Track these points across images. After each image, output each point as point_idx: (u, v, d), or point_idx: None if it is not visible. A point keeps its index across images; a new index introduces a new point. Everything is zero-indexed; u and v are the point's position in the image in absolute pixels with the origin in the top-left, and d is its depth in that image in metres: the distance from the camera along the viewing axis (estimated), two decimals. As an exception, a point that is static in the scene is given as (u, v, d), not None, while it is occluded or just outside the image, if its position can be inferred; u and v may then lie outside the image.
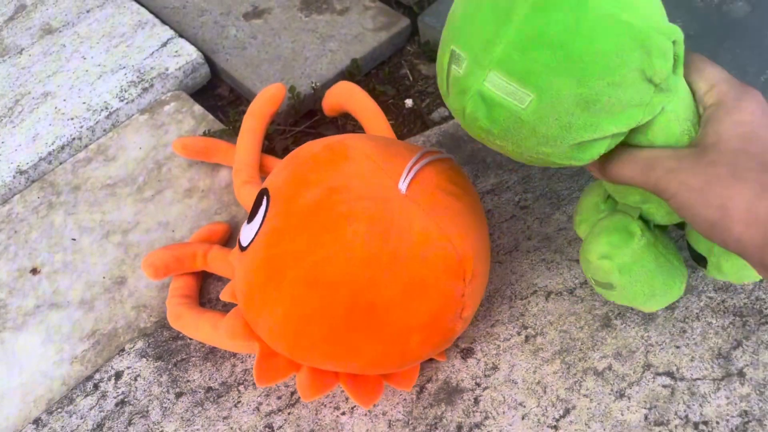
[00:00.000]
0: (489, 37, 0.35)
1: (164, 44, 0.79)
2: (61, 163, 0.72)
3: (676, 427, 0.47)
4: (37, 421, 0.54)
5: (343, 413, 0.51)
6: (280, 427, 0.51)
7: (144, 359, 0.56)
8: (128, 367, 0.56)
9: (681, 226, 0.48)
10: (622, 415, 0.48)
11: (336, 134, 0.74)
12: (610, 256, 0.43)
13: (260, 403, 0.52)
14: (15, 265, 0.64)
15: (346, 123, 0.74)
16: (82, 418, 0.53)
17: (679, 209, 0.36)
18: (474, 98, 0.36)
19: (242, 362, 0.55)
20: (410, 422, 0.50)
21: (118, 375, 0.55)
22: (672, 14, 0.35)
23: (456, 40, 0.37)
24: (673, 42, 0.34)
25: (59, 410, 0.54)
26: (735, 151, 0.34)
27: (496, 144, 0.38)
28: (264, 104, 0.65)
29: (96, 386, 0.55)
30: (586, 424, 0.48)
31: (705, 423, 0.47)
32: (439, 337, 0.46)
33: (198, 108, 0.74)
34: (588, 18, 0.32)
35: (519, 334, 0.53)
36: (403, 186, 0.44)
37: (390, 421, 0.50)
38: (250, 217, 0.48)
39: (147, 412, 0.53)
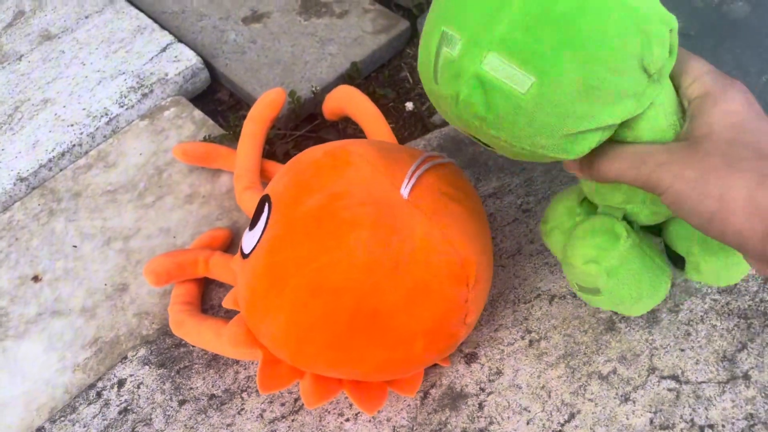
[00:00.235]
0: (489, 15, 0.33)
1: (164, 49, 0.79)
2: (61, 170, 0.71)
3: (681, 430, 0.47)
4: (40, 430, 0.53)
5: (347, 420, 0.51)
6: (284, 434, 0.51)
7: (147, 367, 0.56)
8: (131, 375, 0.55)
9: (658, 231, 0.47)
10: (628, 419, 0.48)
11: (336, 138, 0.75)
12: (597, 260, 0.42)
13: (264, 410, 0.52)
14: (16, 273, 0.64)
15: (346, 127, 0.74)
16: (85, 427, 0.53)
17: (674, 203, 0.35)
18: (470, 82, 0.34)
19: (245, 369, 0.54)
20: (415, 428, 0.50)
21: (121, 383, 0.55)
22: (673, 14, 0.35)
23: (448, 21, 0.34)
24: (669, 30, 0.34)
25: (62, 418, 0.54)
26: (728, 141, 0.33)
27: (488, 134, 0.36)
28: (264, 109, 0.65)
29: (99, 394, 0.55)
30: (591, 429, 0.48)
31: (711, 426, 0.47)
32: (443, 342, 0.46)
33: (198, 113, 0.74)
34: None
35: (523, 338, 0.53)
36: (405, 191, 0.44)
37: (394, 427, 0.50)
38: (252, 224, 0.48)
39: (150, 420, 0.53)
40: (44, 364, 0.58)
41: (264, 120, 0.65)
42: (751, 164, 0.32)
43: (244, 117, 0.65)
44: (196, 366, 0.55)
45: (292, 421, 0.51)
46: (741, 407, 0.47)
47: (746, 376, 0.48)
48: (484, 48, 0.33)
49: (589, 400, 0.49)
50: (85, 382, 0.56)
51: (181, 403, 0.53)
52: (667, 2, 0.36)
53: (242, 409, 0.52)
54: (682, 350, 0.50)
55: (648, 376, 0.49)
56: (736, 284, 0.52)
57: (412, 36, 0.81)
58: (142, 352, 0.57)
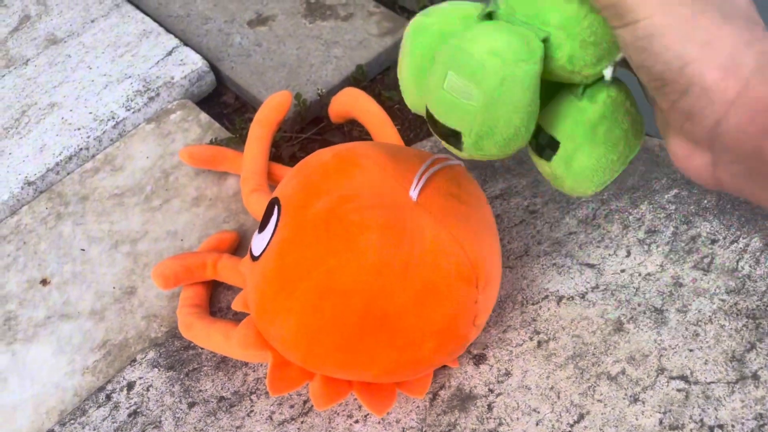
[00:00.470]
0: None
1: (169, 53, 0.79)
2: (68, 174, 0.72)
3: (691, 431, 0.47)
4: (49, 433, 0.54)
5: (357, 421, 0.51)
6: (294, 436, 0.51)
7: (156, 369, 0.56)
8: (140, 378, 0.56)
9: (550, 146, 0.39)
10: (637, 419, 0.48)
11: (342, 141, 0.75)
12: (503, 56, 0.33)
13: (273, 412, 0.52)
14: (24, 277, 0.64)
15: (352, 129, 0.74)
16: (95, 430, 0.53)
17: (643, 38, 0.30)
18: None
19: (254, 371, 0.55)
20: (424, 429, 0.50)
21: (130, 385, 0.55)
22: None
23: None
24: None
25: (72, 422, 0.54)
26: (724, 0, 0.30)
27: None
28: (270, 112, 0.65)
29: (108, 397, 0.55)
30: (600, 430, 0.48)
31: (720, 427, 0.47)
32: (453, 344, 0.46)
33: (204, 116, 0.74)
34: None
35: (531, 339, 0.53)
36: (414, 193, 0.44)
37: (404, 428, 0.50)
38: (261, 227, 0.48)
39: (160, 422, 0.53)
40: (53, 367, 0.58)
41: (270, 123, 0.65)
42: (744, 23, 0.29)
43: (250, 120, 0.66)
44: (205, 368, 0.55)
45: (302, 423, 0.51)
46: (750, 407, 0.47)
47: (755, 376, 0.48)
48: None
49: (598, 400, 0.49)
50: (94, 385, 0.56)
51: (191, 405, 0.53)
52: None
53: (251, 411, 0.52)
54: (691, 351, 0.50)
55: (657, 376, 0.49)
56: (744, 284, 0.53)
57: (417, 38, 0.81)
58: (151, 354, 0.57)
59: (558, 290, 0.55)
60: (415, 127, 0.74)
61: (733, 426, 0.47)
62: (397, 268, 0.42)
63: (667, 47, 0.29)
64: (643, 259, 0.55)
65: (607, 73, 0.34)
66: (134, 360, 0.57)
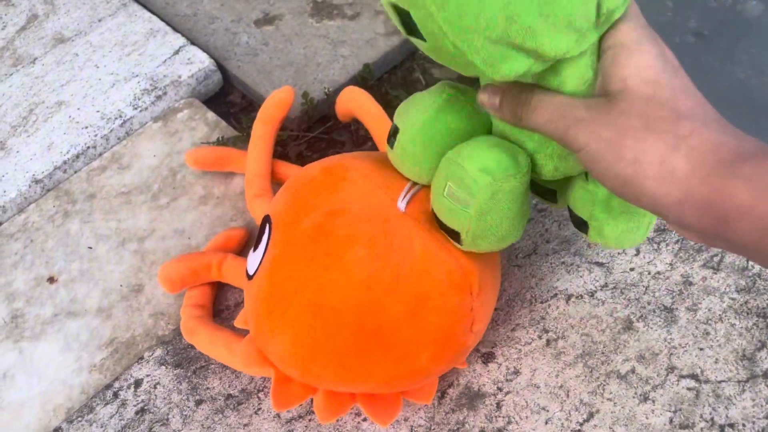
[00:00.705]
0: None
1: (176, 52, 0.79)
2: (76, 172, 0.72)
3: (701, 429, 0.46)
4: (57, 430, 0.54)
5: (364, 419, 0.51)
6: (302, 433, 0.51)
7: (163, 367, 0.56)
8: (147, 375, 0.56)
9: (553, 195, 0.45)
10: (647, 418, 0.47)
11: (349, 139, 0.75)
12: (493, 173, 0.38)
13: (281, 410, 0.52)
14: (32, 274, 0.64)
15: (359, 128, 0.74)
16: (102, 427, 0.53)
17: (589, 162, 0.33)
18: None
19: (262, 369, 0.54)
20: (432, 428, 0.49)
21: (138, 383, 0.55)
22: (685, 14, 0.35)
23: None
24: None
25: (79, 419, 0.54)
26: (645, 98, 0.32)
27: (425, 9, 0.32)
28: (273, 109, 0.65)
29: (115, 394, 0.55)
30: (610, 428, 0.47)
31: (731, 425, 0.46)
32: (451, 353, 0.46)
33: (211, 115, 0.74)
34: None
35: (540, 337, 0.52)
36: (402, 204, 0.44)
37: (412, 426, 0.50)
38: (256, 245, 0.48)
39: (167, 420, 0.53)
40: (61, 364, 0.58)
41: (273, 120, 0.65)
42: (668, 126, 0.31)
43: (257, 119, 0.66)
44: (213, 366, 0.55)
45: (309, 420, 0.51)
46: (761, 406, 0.47)
47: (766, 375, 0.48)
48: None
49: (608, 399, 0.49)
50: (101, 383, 0.56)
51: (198, 403, 0.53)
52: (681, 2, 0.36)
53: (259, 409, 0.52)
54: (701, 349, 0.50)
55: (667, 375, 0.49)
56: (754, 283, 0.52)
57: (424, 37, 0.81)
58: (159, 352, 0.57)
59: (567, 288, 0.55)
60: (422, 126, 0.74)
61: (744, 425, 0.46)
62: (386, 281, 0.42)
63: (607, 168, 0.32)
64: (652, 258, 0.55)
65: None
66: (141, 357, 0.57)
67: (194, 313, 0.55)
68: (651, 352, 0.50)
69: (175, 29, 0.83)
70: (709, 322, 0.51)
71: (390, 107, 0.65)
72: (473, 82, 0.43)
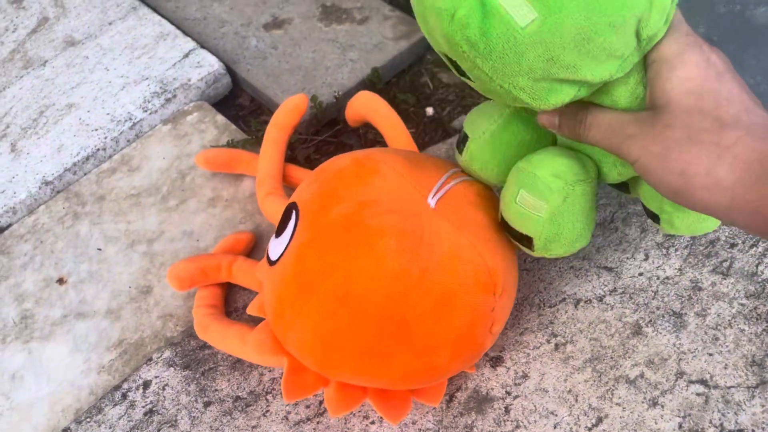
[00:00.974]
0: None
1: (186, 55, 0.80)
2: (85, 174, 0.72)
3: (711, 435, 0.46)
4: (66, 431, 0.54)
5: (372, 422, 0.51)
6: (310, 436, 0.51)
7: (172, 368, 0.56)
8: (156, 377, 0.56)
9: (625, 187, 0.47)
10: (656, 423, 0.47)
11: (357, 143, 0.75)
12: (565, 177, 0.41)
13: (289, 413, 0.52)
14: (41, 276, 0.64)
15: (367, 132, 0.74)
16: (110, 428, 0.53)
17: (643, 174, 0.35)
18: (471, 1, 0.33)
19: (270, 371, 0.55)
20: (440, 431, 0.49)
21: (146, 384, 0.55)
22: (694, 20, 0.35)
23: None
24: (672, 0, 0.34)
25: (88, 420, 0.54)
26: (688, 110, 0.33)
27: (471, 62, 0.35)
28: (287, 115, 0.65)
29: (124, 396, 0.55)
30: (619, 433, 0.47)
31: (740, 431, 0.46)
32: (469, 352, 0.46)
33: (220, 118, 0.75)
34: None
35: (548, 342, 0.52)
36: (432, 201, 0.44)
37: (420, 430, 0.50)
38: (278, 232, 0.48)
39: (176, 421, 0.53)
40: (69, 365, 0.58)
41: (286, 126, 0.65)
42: (711, 136, 0.32)
43: (266, 122, 0.66)
44: (221, 368, 0.55)
45: (317, 423, 0.51)
46: (771, 412, 0.47)
47: (776, 381, 0.48)
48: None
49: (617, 404, 0.49)
50: (110, 384, 0.57)
51: (207, 404, 0.53)
52: (689, 8, 0.36)
53: (267, 411, 0.52)
54: (711, 355, 0.50)
55: (676, 380, 0.49)
56: (764, 289, 0.52)
57: (432, 42, 0.82)
58: (167, 353, 0.57)
59: (575, 293, 0.55)
60: (430, 130, 0.74)
61: (753, 431, 0.46)
62: (415, 275, 0.42)
63: (659, 180, 0.34)
64: (661, 263, 0.55)
65: None
66: (150, 359, 0.57)
67: (207, 312, 0.56)
68: (660, 357, 0.50)
69: (185, 33, 0.83)
70: (719, 327, 0.51)
71: (398, 111, 0.65)
72: None
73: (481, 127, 0.46)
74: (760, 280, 0.53)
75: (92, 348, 0.59)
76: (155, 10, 0.88)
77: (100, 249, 0.66)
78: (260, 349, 0.48)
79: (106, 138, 0.73)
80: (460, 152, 0.48)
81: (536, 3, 0.32)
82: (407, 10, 0.85)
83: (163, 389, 0.55)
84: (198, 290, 0.58)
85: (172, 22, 0.85)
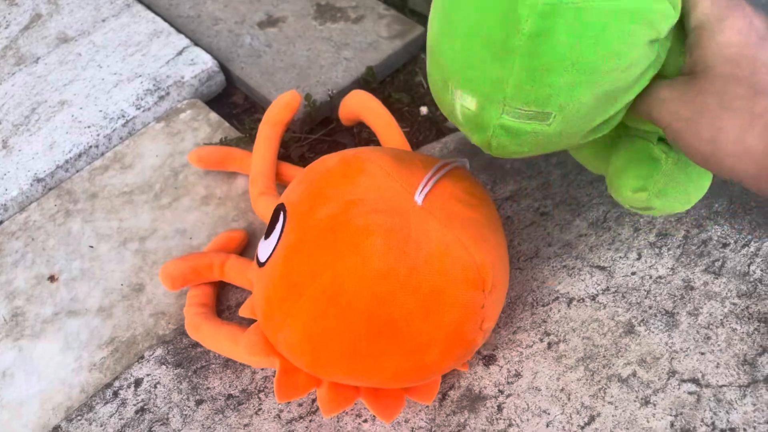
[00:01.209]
0: (494, 78, 0.34)
1: (180, 53, 0.79)
2: (78, 171, 0.72)
3: (703, 434, 0.46)
4: (56, 429, 0.53)
5: (365, 421, 0.51)
6: (302, 434, 0.51)
7: (163, 366, 0.56)
8: (147, 375, 0.55)
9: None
10: (648, 422, 0.47)
11: (351, 141, 0.75)
12: (645, 188, 0.42)
13: (281, 411, 0.52)
14: (32, 273, 0.64)
15: (361, 131, 0.74)
16: (101, 426, 0.53)
17: (673, 140, 0.35)
18: (497, 131, 0.36)
19: (262, 369, 0.54)
20: (433, 429, 0.49)
21: (138, 382, 0.55)
22: None
23: (456, 82, 0.36)
24: None
25: (79, 418, 0.54)
26: (724, 77, 0.32)
27: (524, 153, 0.39)
28: (279, 112, 0.65)
29: (115, 394, 0.55)
30: (611, 432, 0.47)
31: (732, 430, 0.46)
32: (460, 349, 0.46)
33: (214, 116, 0.75)
34: (589, 25, 0.31)
35: (541, 340, 0.52)
36: (419, 198, 0.44)
37: (413, 428, 0.50)
38: (267, 233, 0.48)
39: (167, 419, 0.53)
40: (60, 363, 0.58)
41: (279, 123, 0.65)
42: (744, 103, 0.32)
43: (260, 120, 0.66)
44: (213, 366, 0.55)
45: (310, 421, 0.51)
46: (763, 411, 0.47)
47: (767, 380, 0.48)
48: (499, 102, 0.35)
49: (609, 403, 0.49)
50: (101, 382, 0.56)
51: (198, 402, 0.53)
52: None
53: (260, 410, 0.52)
54: (702, 354, 0.50)
55: (668, 379, 0.49)
56: (755, 288, 0.52)
57: (427, 41, 0.82)
58: (159, 351, 0.57)
59: (568, 292, 0.55)
60: (424, 129, 0.74)
61: (744, 429, 0.46)
62: (402, 273, 0.41)
63: (688, 146, 0.34)
64: (654, 262, 0.55)
65: None
66: (142, 357, 0.57)
67: (198, 311, 0.55)
68: (652, 356, 0.50)
69: (179, 30, 0.83)
70: (711, 326, 0.51)
71: (392, 110, 0.65)
72: None
73: None
74: (751, 279, 0.53)
75: (83, 346, 0.59)
76: (149, 7, 0.88)
77: (92, 246, 0.65)
78: (252, 350, 0.48)
79: (98, 135, 0.72)
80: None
81: (547, 106, 0.34)
82: (402, 9, 0.85)
83: (155, 387, 0.55)
84: (189, 289, 0.58)
85: (165, 20, 0.85)
